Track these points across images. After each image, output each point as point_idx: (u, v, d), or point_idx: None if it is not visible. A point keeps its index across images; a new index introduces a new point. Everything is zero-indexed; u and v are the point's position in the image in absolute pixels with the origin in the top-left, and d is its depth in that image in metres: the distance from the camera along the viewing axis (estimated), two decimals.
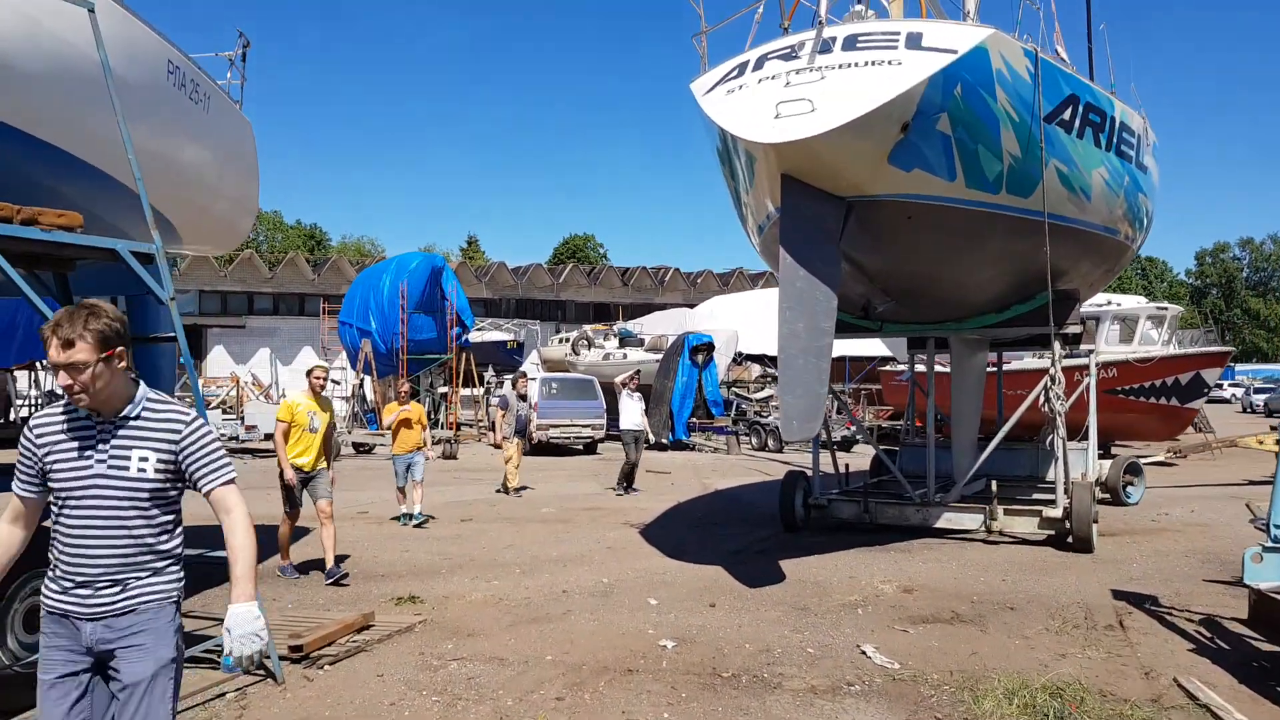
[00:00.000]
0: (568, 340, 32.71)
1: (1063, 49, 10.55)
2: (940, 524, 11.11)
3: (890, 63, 8.14)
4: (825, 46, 8.57)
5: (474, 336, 31.16)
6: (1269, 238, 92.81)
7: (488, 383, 32.22)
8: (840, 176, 8.40)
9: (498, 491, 15.39)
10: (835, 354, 31.43)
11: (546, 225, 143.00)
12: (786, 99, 8.19)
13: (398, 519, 12.30)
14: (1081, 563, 9.77)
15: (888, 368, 29.69)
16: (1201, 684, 5.73)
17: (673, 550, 10.38)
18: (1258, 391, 50.08)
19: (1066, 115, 9.76)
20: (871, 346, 34.04)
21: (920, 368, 15.18)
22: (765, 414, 28.04)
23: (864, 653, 6.41)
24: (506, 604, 7.88)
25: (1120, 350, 22.04)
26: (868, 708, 5.35)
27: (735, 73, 9.05)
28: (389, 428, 12.69)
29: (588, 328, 33.70)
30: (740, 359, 35.11)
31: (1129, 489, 13.70)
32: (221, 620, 5.80)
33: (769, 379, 35.45)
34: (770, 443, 25.19)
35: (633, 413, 15.96)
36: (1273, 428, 17.66)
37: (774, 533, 11.66)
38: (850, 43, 8.56)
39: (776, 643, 6.65)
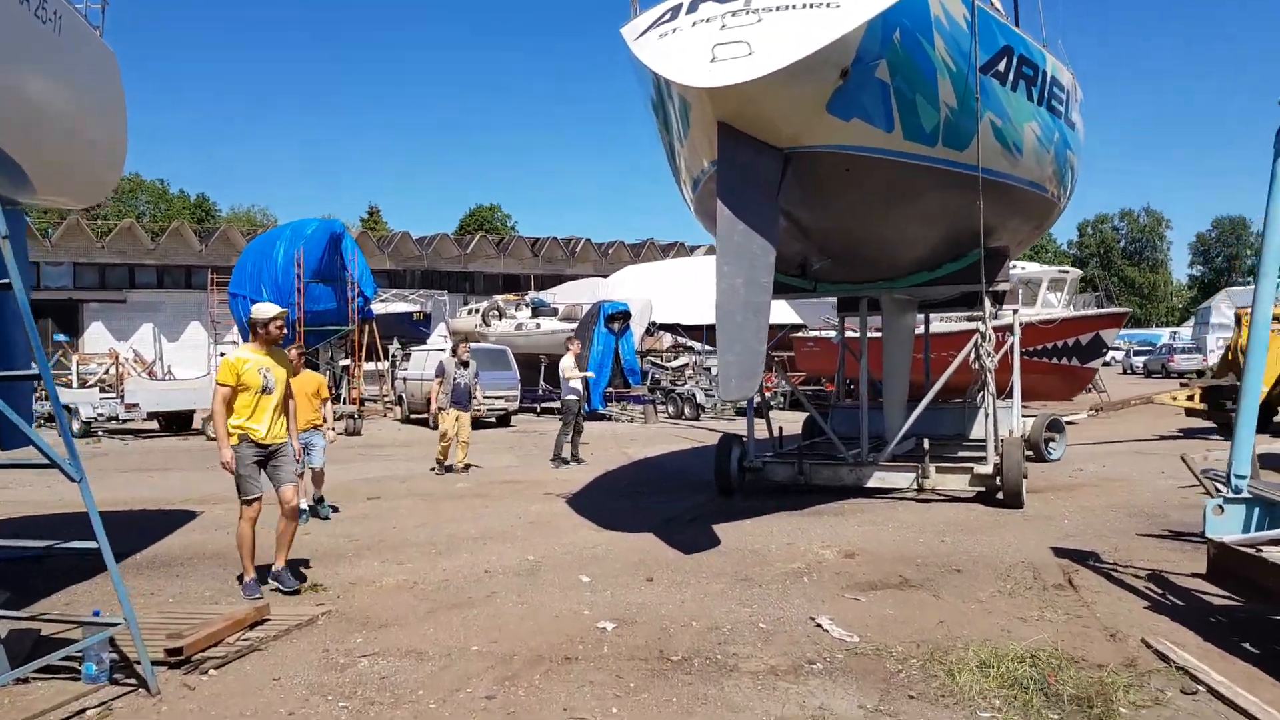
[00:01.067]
0: (478, 311, 31.68)
1: None
2: (873, 483, 10.92)
3: (829, 5, 7.74)
4: None
5: (377, 307, 29.86)
6: (1143, 209, 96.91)
7: (392, 355, 30.99)
8: (778, 125, 8.00)
9: (432, 470, 14.11)
10: None
11: (451, 196, 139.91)
12: (723, 41, 7.73)
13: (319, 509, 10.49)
14: (1014, 520, 9.58)
15: (799, 334, 29.64)
16: (1171, 644, 5.41)
17: (601, 522, 9.77)
18: (1136, 354, 52.29)
19: (1001, 66, 9.49)
20: (780, 314, 34.14)
21: (850, 331, 14.89)
22: (681, 383, 27.69)
23: (819, 625, 5.92)
24: (422, 588, 7.13)
25: (1024, 313, 22.37)
26: (836, 689, 4.83)
27: (668, 16, 8.52)
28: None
29: (499, 298, 32.69)
30: (654, 329, 34.70)
31: (1051, 446, 13.71)
32: (82, 623, 5.01)
33: (681, 348, 35.21)
34: (686, 411, 24.81)
35: (576, 379, 15.17)
36: (1182, 384, 18.01)
37: (704, 499, 11.19)
38: None
39: (725, 618, 6.10)
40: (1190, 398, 16.81)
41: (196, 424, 22.53)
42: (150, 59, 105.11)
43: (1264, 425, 17.02)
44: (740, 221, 7.89)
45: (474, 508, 10.97)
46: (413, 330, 33.71)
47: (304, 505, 9.63)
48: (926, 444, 10.77)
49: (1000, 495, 10.31)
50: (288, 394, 7.13)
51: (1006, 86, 9.64)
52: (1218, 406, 16.45)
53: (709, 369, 32.22)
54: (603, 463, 15.11)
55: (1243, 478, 5.98)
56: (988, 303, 10.74)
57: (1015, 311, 12.19)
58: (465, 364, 13.85)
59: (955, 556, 7.94)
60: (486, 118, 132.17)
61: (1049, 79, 10.47)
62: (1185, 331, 60.07)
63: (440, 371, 13.88)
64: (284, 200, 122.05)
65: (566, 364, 15.17)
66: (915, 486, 10.69)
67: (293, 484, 7.02)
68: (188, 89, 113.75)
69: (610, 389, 26.40)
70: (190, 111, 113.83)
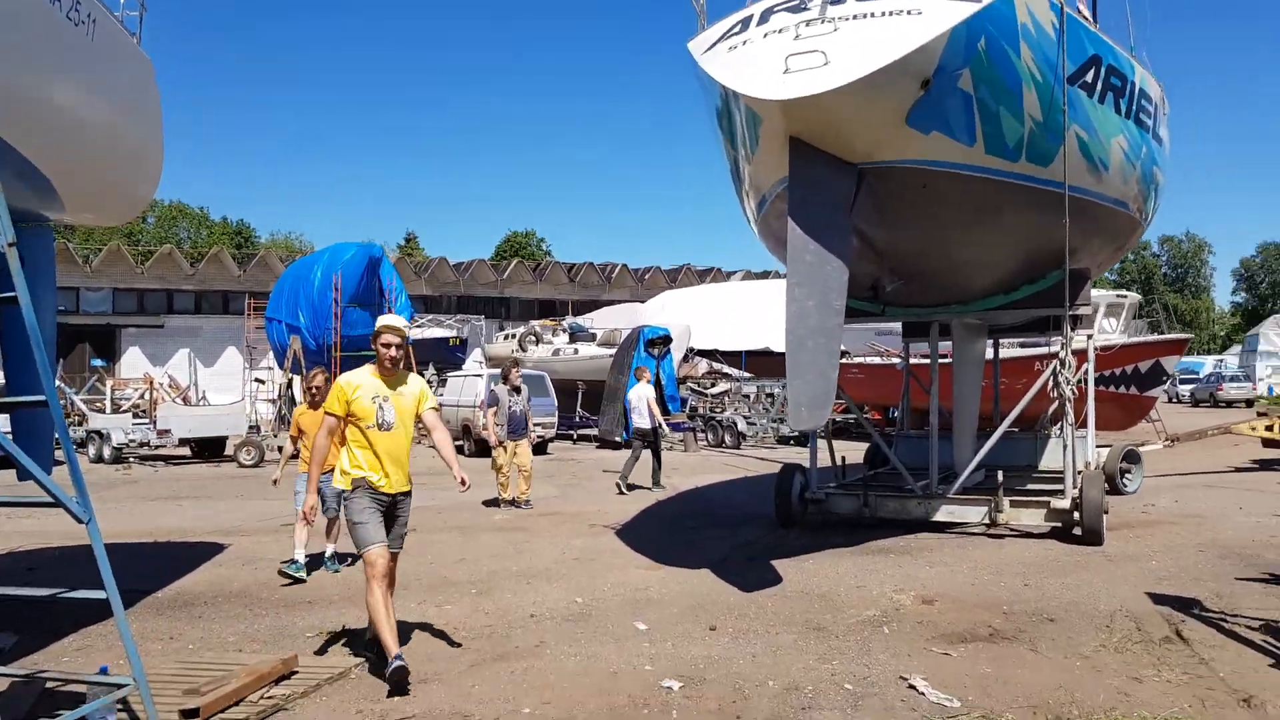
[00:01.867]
0: (514, 336, 31.29)
1: (1083, 4, 9.61)
2: (942, 517, 10.29)
3: (910, 12, 7.33)
4: None
5: (414, 333, 29.50)
6: (1184, 235, 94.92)
7: (429, 381, 30.57)
8: (855, 138, 7.58)
9: (490, 504, 13.28)
10: (784, 347, 30.34)
11: (487, 223, 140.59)
12: (796, 51, 7.32)
13: (289, 567, 8.46)
14: (1097, 561, 8.85)
15: (842, 361, 28.84)
16: None
17: (651, 559, 9.16)
18: (1182, 382, 50.77)
19: (1089, 77, 9.00)
20: None
21: (918, 358, 14.29)
22: (720, 410, 27.03)
23: (913, 686, 5.25)
24: (464, 635, 6.54)
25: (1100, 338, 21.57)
26: None
27: (738, 28, 8.15)
28: (297, 439, 8.93)
29: (535, 323, 32.26)
30: (690, 354, 34.10)
31: (1126, 478, 12.92)
32: (89, 681, 4.42)
33: (718, 375, 34.55)
34: (727, 439, 24.14)
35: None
36: (1260, 414, 17.12)
37: (758, 535, 10.54)
38: None
39: (804, 677, 5.45)
40: (1269, 428, 15.97)
41: (229, 450, 22.21)
42: (187, 81, 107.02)
43: None
44: (812, 241, 7.49)
45: (515, 542, 10.40)
46: (449, 355, 33.36)
47: (300, 557, 8.37)
48: (1001, 476, 10.10)
49: (1079, 531, 9.65)
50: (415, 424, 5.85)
51: (1094, 98, 9.13)
52: None
53: (748, 396, 31.60)
54: (647, 494, 14.48)
55: None
56: (1068, 328, 10.12)
57: (1090, 337, 11.47)
58: (518, 390, 13.19)
59: (1044, 603, 7.24)
60: (523, 143, 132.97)
61: (1137, 90, 9.89)
62: (1230, 359, 58.33)
63: (493, 400, 13.05)
64: (322, 227, 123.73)
65: (649, 393, 15.07)
66: (987, 521, 10.04)
67: (396, 548, 5.75)
68: (227, 113, 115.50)
69: None
70: (230, 137, 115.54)
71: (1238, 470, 16.42)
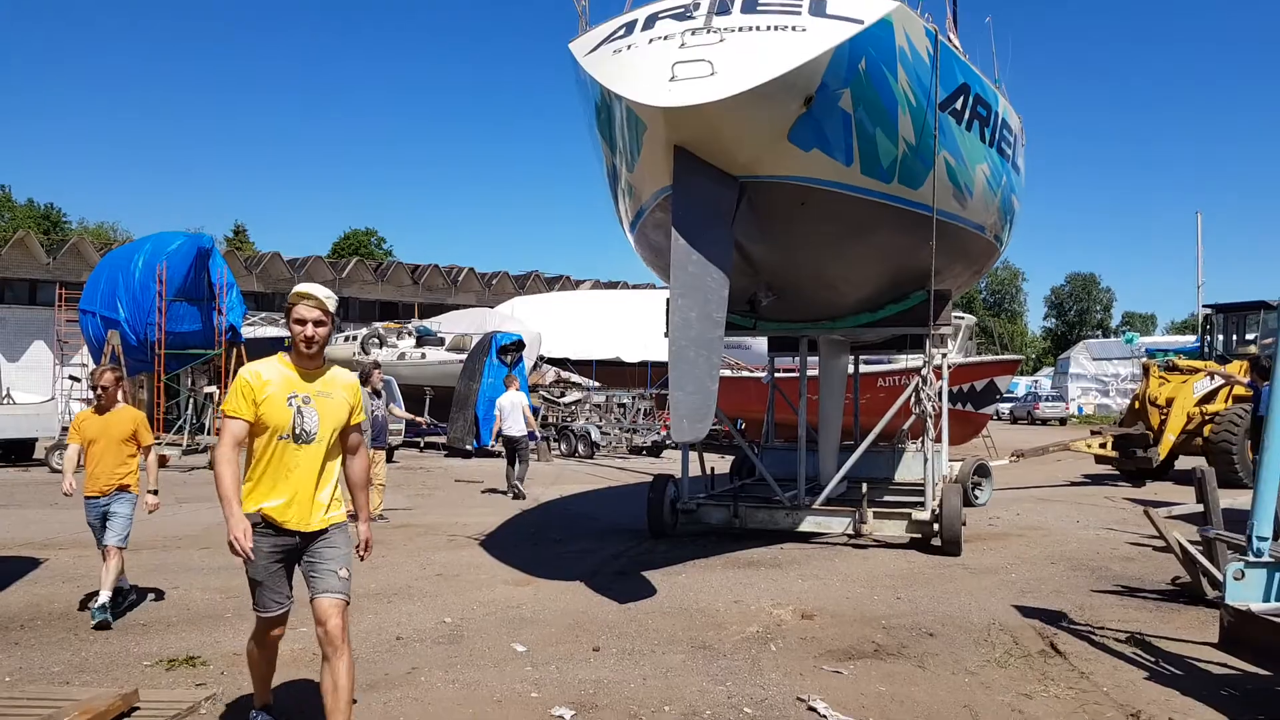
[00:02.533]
0: (356, 338, 29.88)
1: (955, 34, 9.91)
2: (809, 528, 10.43)
3: (794, 28, 7.37)
4: (723, 7, 7.69)
5: (247, 331, 27.75)
6: (1002, 263, 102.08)
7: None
8: (738, 151, 7.55)
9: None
10: (636, 358, 30.82)
11: (323, 219, 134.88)
12: (683, 59, 7.22)
13: (95, 610, 6.71)
14: (960, 573, 9.08)
15: None
16: None
17: (519, 574, 8.74)
18: (1002, 401, 54.32)
19: (959, 105, 9.31)
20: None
21: (785, 370, 14.42)
22: (573, 419, 26.74)
23: (812, 708, 5.09)
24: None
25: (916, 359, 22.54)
26: None
27: (622, 32, 7.98)
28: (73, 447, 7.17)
29: (379, 325, 30.96)
30: (540, 363, 33.66)
31: (977, 490, 13.45)
32: None
33: (567, 384, 34.26)
34: (580, 449, 23.85)
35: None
36: (1094, 432, 18.31)
37: (626, 546, 10.30)
38: (750, 4, 7.73)
39: (700, 700, 5.20)
40: (1103, 445, 17.09)
41: (39, 453, 20.14)
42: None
43: (1162, 473, 17.56)
44: (695, 251, 7.41)
45: (370, 558, 9.68)
46: None
47: (104, 597, 6.73)
48: (865, 488, 10.31)
49: (938, 542, 9.95)
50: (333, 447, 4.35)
51: (962, 125, 9.47)
52: (1127, 454, 16.72)
53: (599, 405, 31.42)
54: (507, 505, 13.98)
55: (1265, 540, 5.51)
56: (929, 346, 10.43)
57: (944, 355, 11.87)
58: (378, 393, 12.38)
59: (920, 617, 7.30)
60: (361, 135, 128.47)
61: (1000, 120, 10.34)
62: (1044, 381, 62.91)
63: None
64: (140, 216, 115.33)
65: (522, 400, 15.40)
66: (852, 531, 10.22)
67: (335, 597, 4.34)
68: (33, 89, 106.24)
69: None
70: (37, 114, 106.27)
71: (1071, 485, 17.49)
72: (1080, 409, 55.69)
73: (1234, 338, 19.72)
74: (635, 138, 7.78)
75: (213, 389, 23.64)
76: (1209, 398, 16.90)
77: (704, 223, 7.54)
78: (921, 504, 10.45)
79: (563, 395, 31.19)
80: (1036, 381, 63.04)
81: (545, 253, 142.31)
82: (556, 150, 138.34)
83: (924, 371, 10.44)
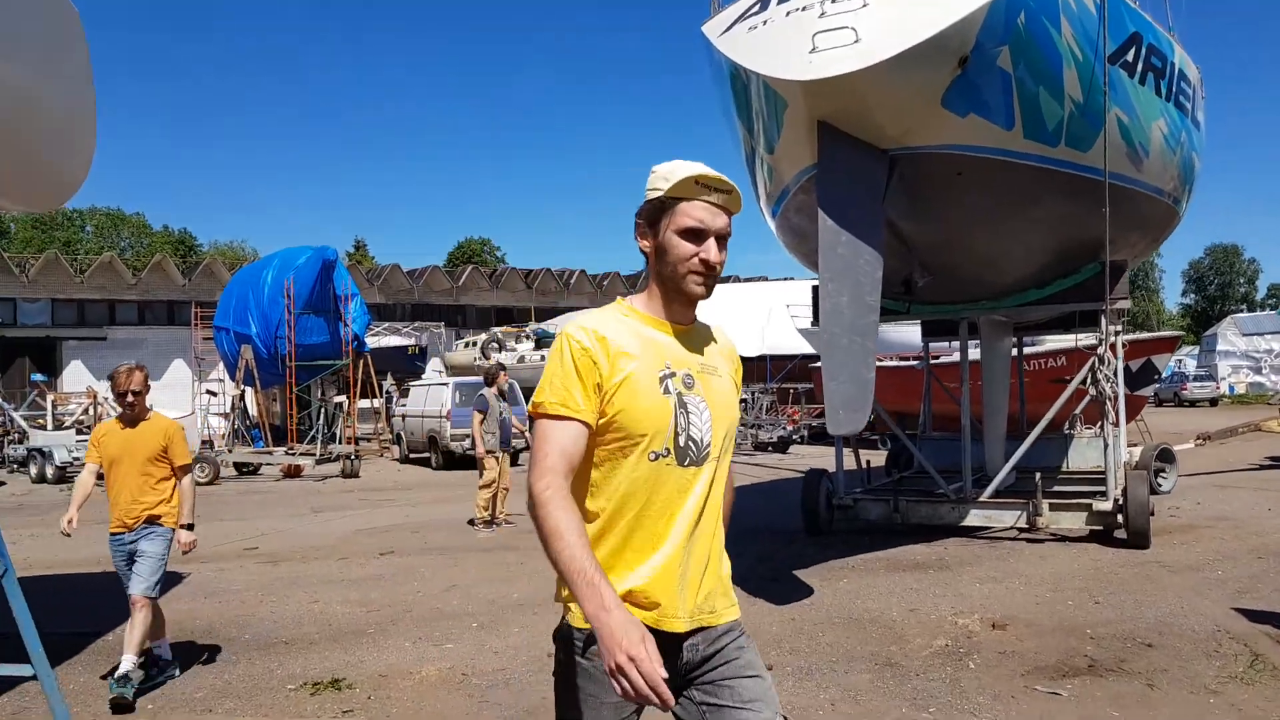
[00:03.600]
0: (475, 344, 30.11)
1: None
2: (976, 521, 9.75)
3: None
4: None
5: (370, 341, 28.24)
6: None
7: (387, 391, 29.30)
8: (887, 121, 7.04)
9: (472, 524, 11.79)
10: (754, 352, 30.14)
11: (439, 230, 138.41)
12: (824, 29, 6.73)
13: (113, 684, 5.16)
14: (1156, 572, 8.09)
15: (818, 364, 28.15)
16: None
17: None
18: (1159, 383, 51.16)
19: (1130, 56, 8.46)
20: (793, 344, 32.74)
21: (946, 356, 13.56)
22: None
23: None
24: (476, 682, 5.51)
25: (1066, 338, 21.13)
26: None
27: (756, 7, 7.51)
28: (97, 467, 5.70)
29: (498, 329, 31.10)
30: None
31: (1161, 477, 12.25)
32: None
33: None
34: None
35: None
36: None
37: (774, 549, 9.66)
38: None
39: None
40: None
41: None
42: (121, 81, 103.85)
43: None
44: (845, 232, 6.89)
45: (507, 564, 9.34)
46: (407, 364, 32.09)
47: (127, 665, 5.20)
48: (1039, 477, 9.50)
49: (1122, 534, 9.12)
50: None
51: (1134, 79, 8.59)
52: None
53: (744, 401, 30.75)
54: None
55: None
56: (1108, 323, 9.47)
57: (1118, 332, 10.77)
58: (504, 395, 12.06)
59: (1130, 624, 6.41)
60: (474, 149, 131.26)
61: (1177, 72, 9.37)
62: (1188, 361, 59.01)
63: (483, 405, 11.63)
64: (266, 234, 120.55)
65: None
66: (1024, 524, 9.45)
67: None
68: (162, 116, 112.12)
69: None
70: (168, 141, 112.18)
71: (1252, 469, 15.95)
72: (1232, 388, 52.08)
73: None
74: (775, 116, 7.40)
75: (342, 398, 24.07)
76: None
77: (853, 201, 7.07)
78: (1102, 493, 9.59)
79: None
80: (1180, 361, 59.31)
81: None
82: (669, 148, 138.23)
83: (1101, 350, 9.48)
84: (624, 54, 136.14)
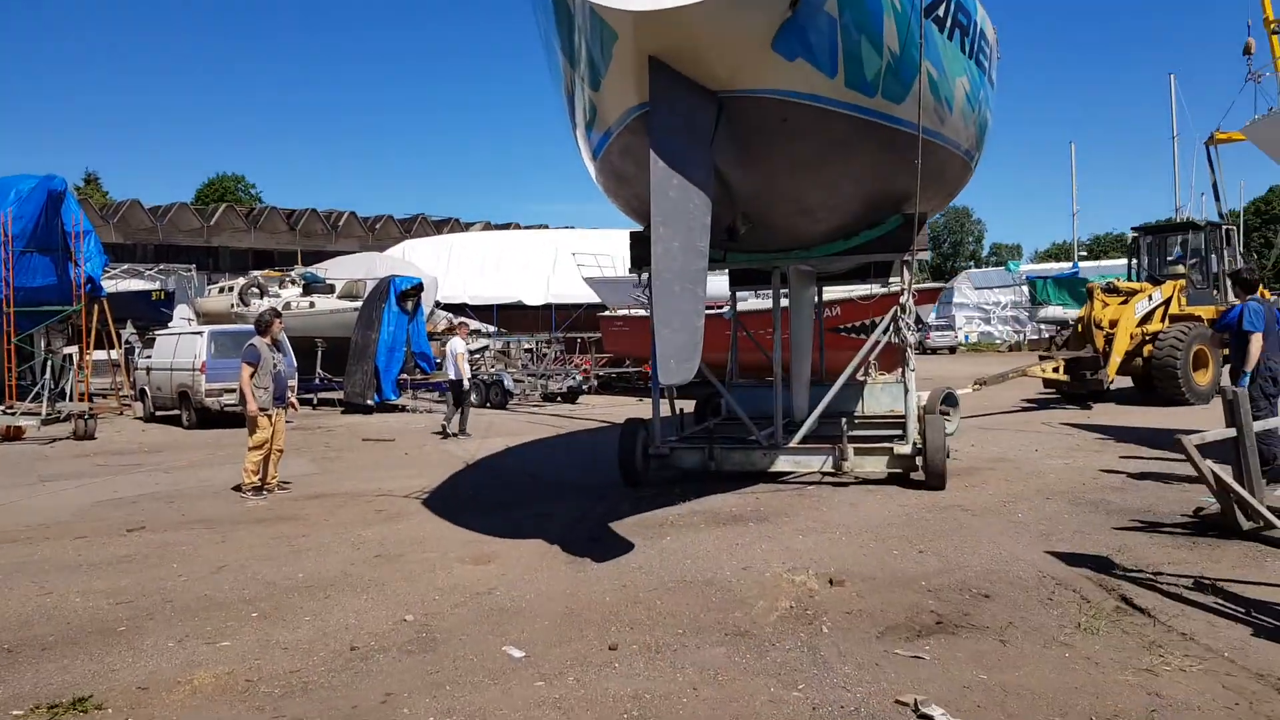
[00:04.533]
0: (233, 289, 27.39)
1: None
2: (786, 466, 9.92)
3: None
4: None
5: (109, 285, 25.00)
6: None
7: (127, 341, 26.21)
8: (719, 61, 6.74)
9: (239, 491, 10.33)
10: (538, 301, 29.78)
11: (184, 165, 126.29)
12: None
13: None
14: (963, 517, 8.31)
15: (605, 314, 27.89)
16: None
17: (475, 549, 7.44)
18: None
19: (941, 11, 8.48)
20: (578, 293, 32.36)
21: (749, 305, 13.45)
22: (479, 368, 25.15)
23: (926, 716, 4.01)
24: (266, 690, 4.55)
25: (840, 289, 22.01)
26: None
27: None
28: None
29: (258, 274, 28.43)
30: (436, 308, 31.84)
31: (945, 421, 12.73)
32: None
33: (464, 329, 32.60)
34: (492, 398, 22.36)
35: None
36: (1042, 356, 18.05)
37: (586, 507, 9.16)
38: None
39: (779, 715, 4.06)
40: (1055, 369, 16.84)
41: None
42: None
43: (1141, 397, 17.44)
44: (677, 175, 6.54)
45: (286, 537, 8.21)
46: (151, 312, 28.90)
47: None
48: (844, 423, 9.71)
49: (920, 476, 9.52)
50: None
51: (944, 34, 8.63)
52: (1078, 377, 16.50)
53: (504, 352, 29.90)
54: (431, 465, 12.53)
55: None
56: (907, 273, 9.65)
57: (906, 280, 11.03)
58: (278, 345, 10.65)
59: (960, 574, 6.39)
60: (223, 80, 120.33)
61: (979, 30, 9.56)
62: (930, 311, 64.10)
63: (254, 357, 10.20)
64: None
65: (460, 347, 16.56)
66: (830, 469, 9.67)
67: None
68: None
69: (404, 376, 23.39)
70: None
71: (1011, 412, 17.17)
72: (967, 337, 57.10)
73: (1159, 259, 19.66)
74: (603, 49, 6.78)
75: (72, 349, 21.10)
76: (1146, 319, 16.76)
77: (684, 143, 6.69)
78: (900, 437, 9.97)
79: (471, 342, 29.54)
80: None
81: (430, 195, 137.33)
82: (438, 86, 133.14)
83: (903, 299, 9.61)
84: None
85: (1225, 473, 7.21)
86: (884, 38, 7.56)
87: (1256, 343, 9.23)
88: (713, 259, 9.64)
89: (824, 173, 8.55)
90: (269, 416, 10.13)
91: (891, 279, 10.81)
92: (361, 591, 6.35)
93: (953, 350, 50.80)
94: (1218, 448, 7.35)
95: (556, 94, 8.56)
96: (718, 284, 11.33)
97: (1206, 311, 17.46)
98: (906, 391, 9.82)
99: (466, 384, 16.31)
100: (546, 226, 49.94)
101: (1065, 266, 55.83)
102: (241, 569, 7.08)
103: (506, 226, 51.21)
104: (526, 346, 29.42)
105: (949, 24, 8.72)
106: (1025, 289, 52.47)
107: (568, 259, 31.20)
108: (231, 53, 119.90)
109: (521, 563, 6.97)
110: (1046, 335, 50.85)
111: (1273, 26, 38.18)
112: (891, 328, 9.81)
